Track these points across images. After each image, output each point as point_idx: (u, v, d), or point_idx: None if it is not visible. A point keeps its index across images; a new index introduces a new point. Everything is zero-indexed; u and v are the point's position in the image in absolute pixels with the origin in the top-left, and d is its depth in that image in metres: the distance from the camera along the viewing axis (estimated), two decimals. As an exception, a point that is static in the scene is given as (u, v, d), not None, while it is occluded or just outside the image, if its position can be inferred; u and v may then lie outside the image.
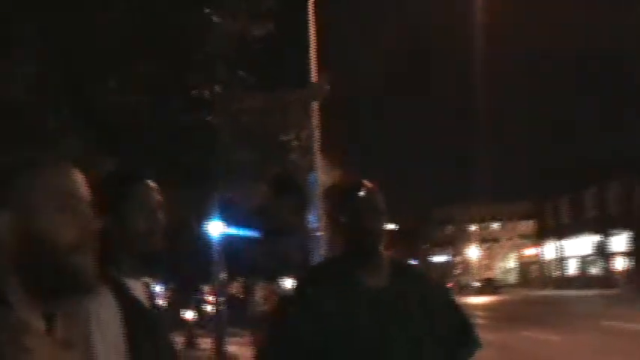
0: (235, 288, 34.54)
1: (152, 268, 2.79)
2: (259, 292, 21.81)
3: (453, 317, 3.28)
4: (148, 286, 2.72)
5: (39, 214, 1.64)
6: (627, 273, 58.83)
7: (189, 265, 23.75)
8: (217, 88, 11.07)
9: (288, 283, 35.98)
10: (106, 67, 9.25)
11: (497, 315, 37.36)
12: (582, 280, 66.36)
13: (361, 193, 3.15)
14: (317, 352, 2.99)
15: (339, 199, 3.25)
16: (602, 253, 64.48)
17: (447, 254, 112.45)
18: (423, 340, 3.07)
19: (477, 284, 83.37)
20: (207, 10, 10.59)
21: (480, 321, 30.52)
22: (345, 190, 3.26)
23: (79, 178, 1.74)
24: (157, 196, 2.69)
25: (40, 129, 8.56)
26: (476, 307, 42.78)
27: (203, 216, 17.29)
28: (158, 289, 37.10)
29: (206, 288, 34.87)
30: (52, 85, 8.68)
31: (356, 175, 3.36)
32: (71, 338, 1.72)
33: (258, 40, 11.40)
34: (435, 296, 3.26)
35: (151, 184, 2.70)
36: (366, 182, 3.22)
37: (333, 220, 3.27)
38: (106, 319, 2.34)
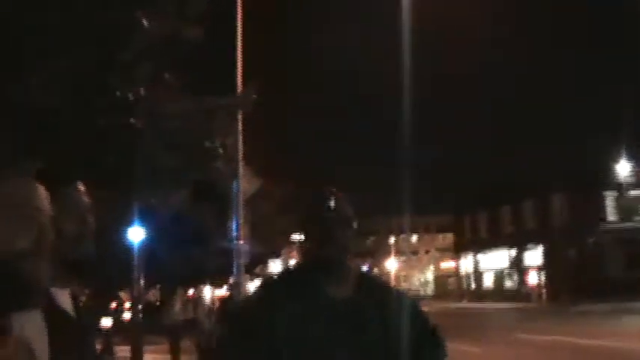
0: (153, 295, 34.18)
1: (80, 274, 2.72)
2: (177, 300, 21.61)
3: (420, 329, 3.22)
4: (73, 294, 2.64)
5: None
6: (540, 286, 60.20)
7: (107, 271, 23.36)
8: (142, 91, 10.89)
9: (206, 290, 35.69)
10: (25, 63, 9.00)
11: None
12: (498, 293, 67.61)
13: (330, 204, 3.09)
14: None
15: (308, 208, 3.19)
16: (517, 267, 65.82)
17: (366, 265, 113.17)
18: (381, 352, 3.02)
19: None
20: (134, 11, 10.41)
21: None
22: (314, 199, 3.18)
23: (40, 190, 1.72)
24: (86, 200, 2.62)
25: None
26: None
27: (122, 221, 17.03)
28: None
29: (123, 294, 34.37)
30: None
31: (322, 185, 3.29)
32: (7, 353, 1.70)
33: (186, 44, 11.27)
34: (401, 308, 3.18)
35: (80, 186, 2.63)
36: (334, 191, 3.16)
37: (301, 229, 3.18)
38: (31, 332, 2.26)
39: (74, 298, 2.61)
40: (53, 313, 2.35)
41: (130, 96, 10.71)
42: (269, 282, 3.56)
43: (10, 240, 1.63)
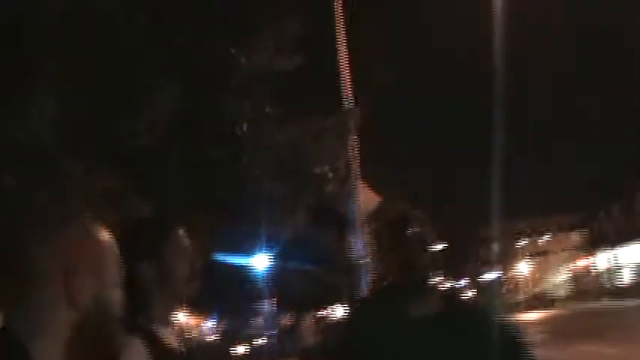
0: (286, 319, 34.60)
1: (190, 308, 2.81)
2: (307, 323, 21.79)
3: (506, 351, 3.17)
4: (174, 327, 2.72)
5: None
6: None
7: (237, 299, 23.76)
8: (245, 124, 11.12)
9: (339, 311, 35.90)
10: (131, 106, 9.29)
11: (552, 330, 36.82)
12: (638, 289, 65.15)
13: (411, 228, 3.16)
14: None
15: (389, 231, 3.24)
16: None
17: (497, 271, 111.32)
18: None
19: (527, 299, 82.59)
20: (233, 50, 10.64)
21: (534, 338, 30.08)
22: (395, 222, 3.24)
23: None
24: (186, 242, 2.70)
25: (64, 171, 8.61)
26: (529, 323, 42.24)
27: (243, 249, 17.31)
28: (210, 324, 37.34)
29: (257, 321, 35.03)
30: (74, 125, 8.71)
31: (404, 204, 3.41)
32: None
33: (286, 73, 11.40)
34: (485, 329, 3.18)
35: (182, 230, 2.70)
36: (415, 213, 3.24)
37: (382, 251, 3.26)
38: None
39: (180, 334, 2.68)
40: (158, 351, 2.40)
41: (237, 129, 10.93)
42: (359, 303, 3.73)
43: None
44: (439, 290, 3.27)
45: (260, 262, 21.08)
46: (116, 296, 1.69)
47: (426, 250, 3.14)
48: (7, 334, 1.53)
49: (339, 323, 3.54)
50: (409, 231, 3.14)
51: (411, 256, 3.11)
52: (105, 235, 1.70)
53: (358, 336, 3.16)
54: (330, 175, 12.63)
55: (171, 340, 2.60)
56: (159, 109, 9.53)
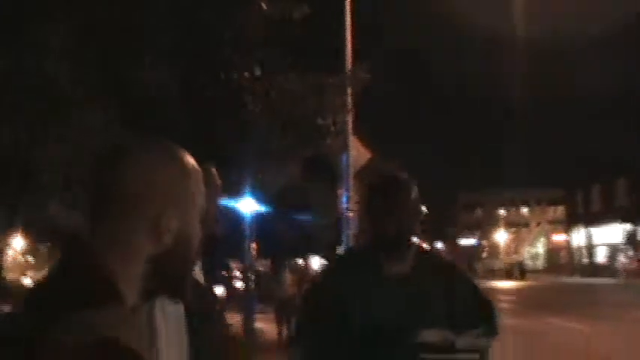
0: (265, 265, 34.79)
1: (209, 250, 2.96)
2: (287, 271, 21.97)
3: (476, 305, 3.35)
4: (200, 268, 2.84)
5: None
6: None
7: (219, 242, 23.84)
8: (256, 70, 11.23)
9: (316, 261, 36.16)
10: (139, 43, 9.35)
11: (523, 300, 37.31)
12: (611, 268, 65.88)
13: (391, 190, 3.22)
14: (340, 332, 3.14)
15: (370, 192, 3.32)
16: (632, 242, 63.92)
17: (475, 237, 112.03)
18: (439, 326, 3.14)
19: (503, 268, 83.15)
20: None
21: (504, 306, 30.56)
22: (376, 184, 3.31)
23: None
24: (218, 181, 2.80)
25: (65, 100, 8.71)
26: (501, 291, 42.78)
27: (234, 193, 17.50)
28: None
29: (235, 265, 35.13)
30: (81, 57, 8.81)
31: (388, 163, 3.47)
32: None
33: (296, 23, 11.49)
34: (458, 285, 3.34)
35: (213, 168, 2.79)
36: (398, 175, 3.29)
37: (363, 210, 3.45)
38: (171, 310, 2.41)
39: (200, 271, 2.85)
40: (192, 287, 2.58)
41: (246, 75, 11.06)
42: (336, 258, 3.82)
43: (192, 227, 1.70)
44: (415, 246, 3.34)
45: (246, 206, 21.26)
46: (196, 231, 1.63)
47: (405, 215, 3.20)
48: (83, 246, 1.51)
49: (315, 281, 3.48)
50: (411, 196, 3.22)
51: (408, 223, 3.19)
52: (198, 173, 1.65)
53: (332, 295, 3.21)
54: (332, 128, 12.79)
55: (198, 276, 2.76)
56: (164, 45, 9.62)
